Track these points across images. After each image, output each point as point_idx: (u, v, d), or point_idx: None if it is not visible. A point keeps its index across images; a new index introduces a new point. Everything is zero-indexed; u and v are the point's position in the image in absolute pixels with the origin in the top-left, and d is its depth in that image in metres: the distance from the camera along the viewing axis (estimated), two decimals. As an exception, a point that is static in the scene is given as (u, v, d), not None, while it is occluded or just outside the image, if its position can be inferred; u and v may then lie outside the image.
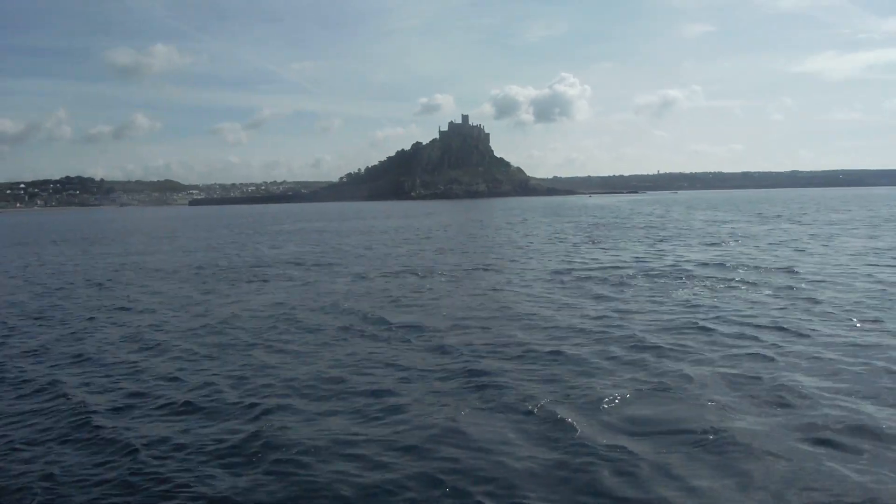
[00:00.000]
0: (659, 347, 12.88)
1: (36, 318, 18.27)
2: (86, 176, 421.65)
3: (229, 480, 7.60)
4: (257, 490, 7.36)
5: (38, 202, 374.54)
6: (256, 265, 31.21)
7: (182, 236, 60.76)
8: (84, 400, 10.49)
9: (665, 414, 9.28)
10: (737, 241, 38.18)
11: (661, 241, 39.95)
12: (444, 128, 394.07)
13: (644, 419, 9.11)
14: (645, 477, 7.35)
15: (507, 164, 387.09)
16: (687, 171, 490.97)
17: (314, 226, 75.18)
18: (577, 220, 74.10)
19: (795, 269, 23.89)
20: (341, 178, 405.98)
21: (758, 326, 14.52)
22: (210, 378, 11.57)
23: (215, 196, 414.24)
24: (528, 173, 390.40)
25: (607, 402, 9.72)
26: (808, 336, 13.53)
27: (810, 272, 23.18)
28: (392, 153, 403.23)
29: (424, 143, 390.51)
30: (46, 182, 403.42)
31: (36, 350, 14.28)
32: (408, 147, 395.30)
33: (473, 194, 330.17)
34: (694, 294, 19.15)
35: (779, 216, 68.24)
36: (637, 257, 30.21)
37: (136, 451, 8.39)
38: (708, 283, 21.29)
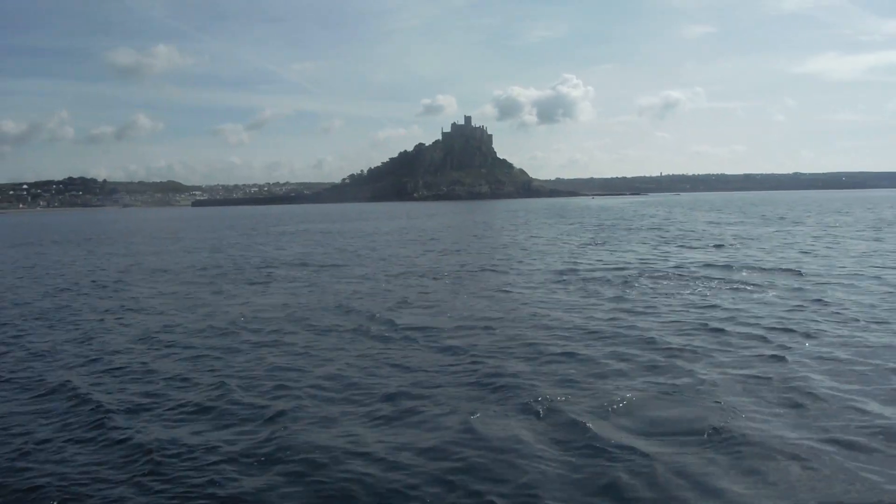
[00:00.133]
0: (669, 348, 12.90)
1: (45, 320, 18.27)
2: (88, 177, 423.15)
3: (245, 482, 7.61)
4: (272, 492, 7.37)
5: (41, 203, 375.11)
6: (262, 266, 31.25)
7: (186, 237, 60.85)
8: (98, 401, 10.50)
9: (678, 414, 9.29)
10: (742, 242, 38.16)
11: (666, 242, 39.95)
12: (447, 129, 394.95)
13: (657, 419, 9.13)
14: (659, 477, 7.36)
15: (510, 166, 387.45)
16: (689, 172, 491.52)
17: (318, 227, 75.27)
18: (581, 221, 74.10)
19: (802, 271, 23.89)
20: (344, 179, 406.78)
21: (767, 327, 14.51)
22: (222, 379, 11.58)
23: (218, 197, 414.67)
24: (531, 175, 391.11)
25: (620, 403, 9.73)
26: (817, 337, 13.54)
27: (817, 273, 23.17)
28: (394, 154, 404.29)
29: (427, 145, 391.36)
30: (49, 183, 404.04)
31: (47, 351, 14.27)
32: (410, 148, 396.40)
33: (476, 196, 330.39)
34: (701, 295, 19.14)
35: (782, 218, 68.21)
36: (642, 258, 30.23)
37: (151, 451, 8.40)
38: (715, 284, 21.28)
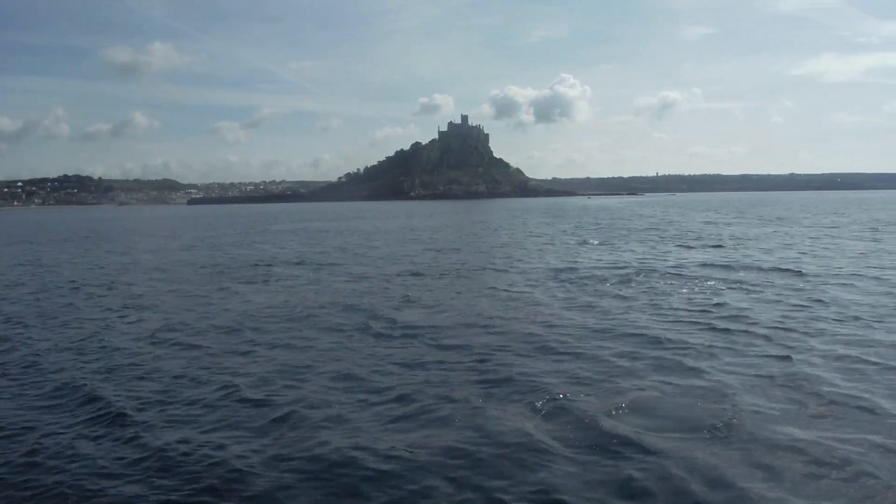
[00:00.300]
0: (673, 346, 12.96)
1: (50, 318, 18.15)
2: (84, 174, 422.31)
3: (257, 481, 7.61)
4: (284, 491, 7.37)
5: (36, 200, 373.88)
6: (261, 264, 31.22)
7: (184, 235, 60.74)
8: (107, 399, 10.48)
9: (686, 411, 9.35)
10: (739, 242, 38.28)
11: (664, 242, 40.04)
12: (444, 128, 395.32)
13: (666, 416, 9.20)
14: (671, 474, 7.41)
15: (507, 165, 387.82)
16: (686, 173, 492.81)
17: (315, 225, 75.22)
18: (579, 221, 74.19)
19: (801, 271, 23.99)
20: (340, 177, 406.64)
21: (770, 326, 14.58)
22: (229, 377, 11.59)
23: (214, 195, 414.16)
24: (528, 174, 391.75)
25: (629, 400, 9.78)
26: (820, 335, 13.62)
27: (816, 273, 23.27)
28: (391, 153, 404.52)
29: (424, 144, 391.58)
30: (44, 180, 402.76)
31: (54, 349, 14.18)
32: (407, 147, 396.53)
33: (473, 195, 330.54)
34: (702, 294, 19.19)
35: (780, 219, 68.44)
36: (641, 258, 30.28)
37: (163, 450, 8.40)
38: (714, 283, 21.34)
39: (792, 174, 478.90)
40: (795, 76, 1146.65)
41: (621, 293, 19.89)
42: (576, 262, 29.41)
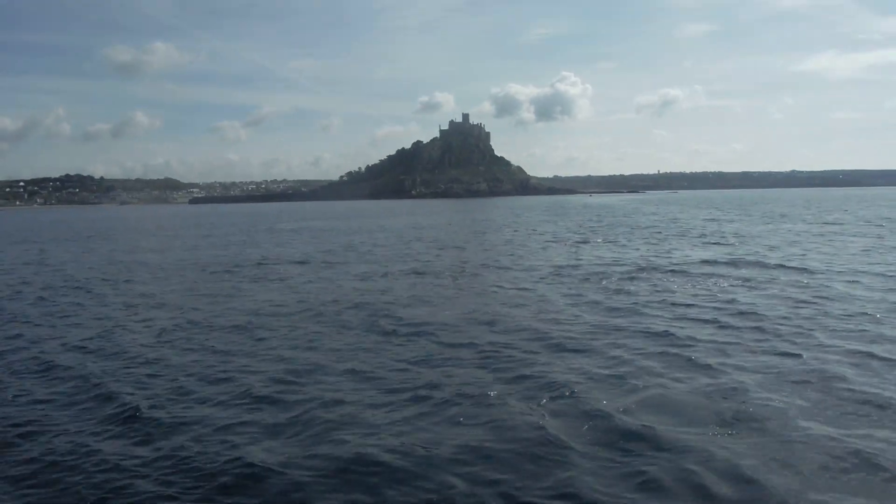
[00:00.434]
0: (683, 342, 13.05)
1: (60, 317, 18.18)
2: (85, 174, 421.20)
3: (274, 480, 7.67)
4: (302, 491, 7.43)
5: (38, 200, 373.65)
6: (267, 263, 31.31)
7: (188, 234, 60.82)
8: (124, 398, 10.54)
9: (699, 405, 9.45)
10: (742, 239, 38.33)
11: (667, 239, 40.11)
12: (445, 126, 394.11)
13: (680, 411, 9.30)
14: (687, 468, 7.49)
15: (508, 163, 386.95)
16: (687, 170, 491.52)
17: (318, 224, 75.27)
18: (581, 218, 74.23)
19: (806, 267, 24.07)
20: (341, 176, 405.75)
21: (778, 320, 14.68)
22: (244, 374, 11.70)
23: (215, 194, 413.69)
24: (529, 172, 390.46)
25: (643, 395, 9.90)
26: (829, 330, 13.70)
27: (821, 269, 23.33)
28: (392, 151, 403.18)
29: (425, 142, 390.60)
30: (46, 180, 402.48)
31: (67, 349, 14.18)
32: (408, 145, 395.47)
33: (474, 193, 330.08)
34: (707, 291, 19.24)
35: (783, 216, 68.46)
36: (645, 255, 30.34)
37: (181, 448, 8.47)
38: (721, 280, 21.39)
39: (793, 171, 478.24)
40: (796, 73, 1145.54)
41: (627, 290, 19.95)
42: (580, 259, 29.48)
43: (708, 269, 24.73)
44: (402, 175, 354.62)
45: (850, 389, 9.96)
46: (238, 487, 7.42)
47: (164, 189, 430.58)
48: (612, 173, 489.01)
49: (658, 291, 19.56)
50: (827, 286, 19.71)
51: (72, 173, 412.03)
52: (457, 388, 10.53)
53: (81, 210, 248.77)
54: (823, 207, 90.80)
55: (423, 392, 10.39)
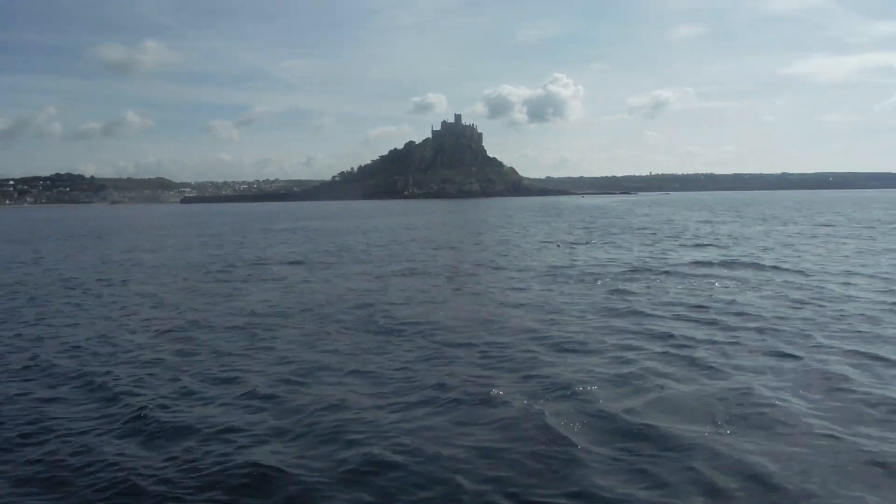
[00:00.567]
0: (682, 342, 13.10)
1: (59, 318, 18.00)
2: (76, 173, 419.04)
3: (284, 478, 7.67)
4: (315, 493, 7.43)
5: (28, 199, 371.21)
6: (261, 263, 31.26)
7: (181, 234, 60.61)
8: (130, 396, 10.53)
9: (703, 402, 9.48)
10: (735, 241, 38.51)
11: (660, 240, 40.24)
12: (437, 127, 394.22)
13: (683, 407, 9.36)
14: (691, 466, 7.54)
15: (500, 164, 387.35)
16: (679, 172, 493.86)
17: (311, 224, 75.13)
18: (574, 219, 74.38)
19: (800, 268, 24.23)
20: (334, 176, 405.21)
21: (776, 320, 14.77)
22: (245, 375, 11.71)
23: (207, 194, 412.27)
24: (521, 173, 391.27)
25: (646, 393, 9.95)
26: (826, 329, 13.77)
27: (815, 271, 23.47)
28: (385, 152, 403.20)
29: (417, 143, 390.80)
30: (36, 179, 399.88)
31: (70, 349, 14.05)
32: (401, 146, 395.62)
33: (466, 194, 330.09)
34: (703, 291, 19.31)
35: (775, 217, 68.82)
36: (639, 256, 30.43)
37: (188, 449, 8.45)
38: (716, 281, 21.47)
39: (784, 173, 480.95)
40: (787, 76, 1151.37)
41: (623, 291, 19.99)
42: (574, 260, 29.55)
43: (703, 270, 24.83)
44: (394, 175, 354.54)
45: (851, 389, 10.05)
46: (244, 488, 7.40)
47: (156, 188, 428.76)
48: (604, 174, 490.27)
49: (654, 292, 19.62)
50: (822, 287, 19.84)
51: (62, 172, 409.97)
52: (461, 388, 10.54)
53: (72, 209, 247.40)
54: (815, 209, 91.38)
55: (428, 392, 10.40)
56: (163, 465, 7.99)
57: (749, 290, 19.53)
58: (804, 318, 15.28)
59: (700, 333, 13.94)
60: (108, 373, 11.94)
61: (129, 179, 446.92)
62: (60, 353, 13.62)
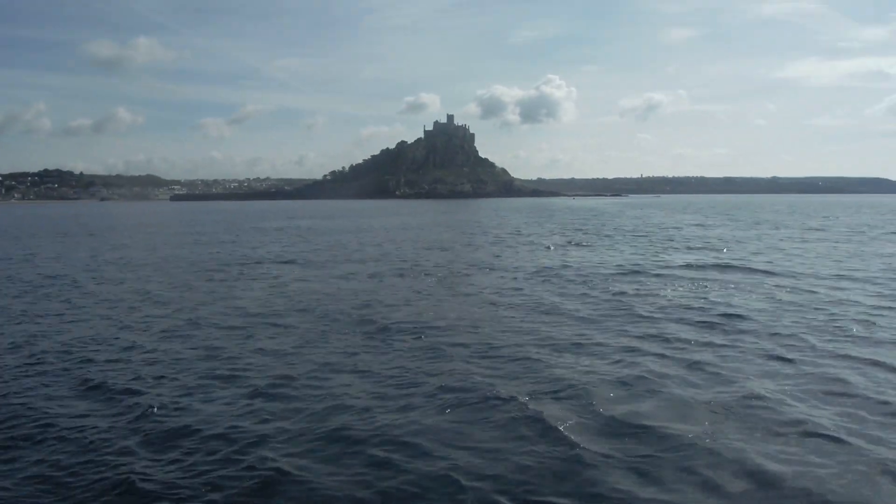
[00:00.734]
0: (678, 341, 13.19)
1: (56, 316, 17.81)
2: (65, 169, 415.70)
3: (293, 483, 7.64)
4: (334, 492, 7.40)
5: (16, 195, 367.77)
6: (256, 262, 31.19)
7: (174, 232, 60.33)
8: (136, 394, 10.53)
9: (707, 400, 9.53)
10: (727, 245, 38.70)
11: (652, 243, 40.44)
12: (430, 127, 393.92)
13: (685, 405, 9.43)
14: (692, 464, 7.59)
15: (492, 165, 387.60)
16: (670, 174, 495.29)
17: (303, 223, 74.96)
18: (565, 221, 74.55)
19: (793, 272, 24.42)
20: (325, 175, 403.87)
21: (768, 321, 14.85)
22: (250, 374, 11.73)
23: (197, 192, 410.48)
24: (513, 174, 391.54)
25: (643, 390, 9.99)
26: (821, 332, 13.85)
27: (807, 274, 23.63)
28: (377, 152, 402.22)
29: (409, 143, 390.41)
30: (24, 175, 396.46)
31: (70, 348, 13.88)
32: (392, 146, 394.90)
33: (458, 194, 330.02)
34: (696, 294, 19.41)
35: (768, 221, 69.20)
36: (629, 259, 30.56)
37: (194, 449, 8.44)
38: (708, 284, 21.59)
39: (774, 177, 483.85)
40: (778, 80, 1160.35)
41: (618, 292, 20.06)
42: (566, 262, 29.60)
43: (696, 273, 24.95)
44: (386, 175, 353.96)
45: (849, 393, 10.16)
46: (246, 489, 7.37)
47: (146, 186, 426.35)
48: (595, 176, 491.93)
49: (647, 294, 19.71)
50: (814, 291, 19.95)
51: (51, 168, 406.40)
52: (459, 388, 10.57)
53: (61, 206, 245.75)
54: (807, 213, 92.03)
55: (428, 392, 10.43)
56: (164, 465, 7.97)
57: (742, 293, 19.63)
58: (797, 322, 15.37)
59: (695, 336, 14.02)
60: (106, 372, 11.89)
61: (118, 176, 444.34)
62: (57, 352, 13.49)
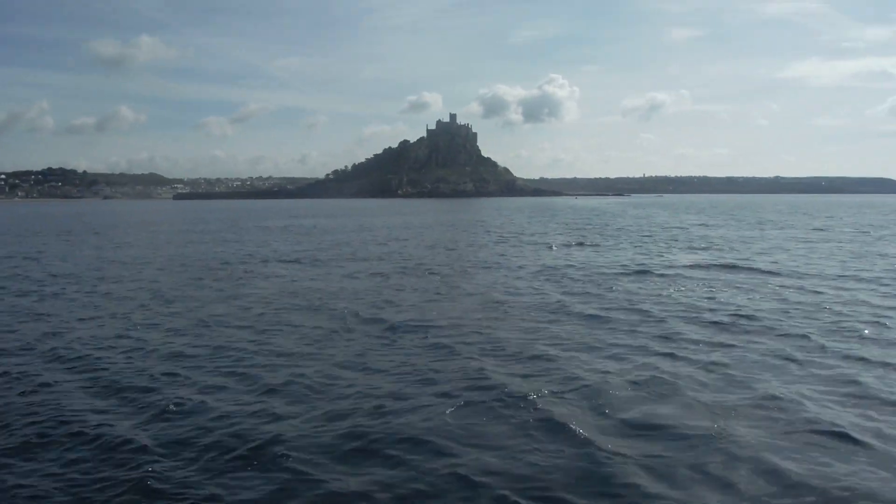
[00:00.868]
0: (686, 341, 13.21)
1: (69, 314, 17.87)
2: (68, 167, 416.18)
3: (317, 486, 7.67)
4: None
5: (19, 193, 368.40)
6: (262, 260, 31.22)
7: (178, 231, 60.40)
8: (158, 393, 10.58)
9: (716, 399, 9.54)
10: (731, 245, 38.68)
11: (656, 243, 40.42)
12: (432, 126, 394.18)
13: (695, 404, 9.42)
14: (716, 463, 7.59)
15: (494, 164, 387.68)
16: (672, 174, 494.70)
17: (307, 223, 75.02)
18: (568, 220, 74.52)
19: (798, 272, 24.43)
20: (328, 174, 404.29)
21: (775, 321, 14.83)
22: (268, 371, 11.77)
23: (200, 190, 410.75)
24: (515, 173, 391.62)
25: (655, 388, 10.00)
26: (828, 332, 13.86)
27: (812, 274, 23.63)
28: (379, 151, 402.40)
29: (412, 142, 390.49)
30: (28, 173, 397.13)
31: (84, 344, 13.97)
32: (395, 145, 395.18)
33: (460, 193, 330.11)
34: (703, 294, 19.41)
35: (772, 222, 69.16)
36: (634, 258, 30.54)
37: (211, 445, 8.51)
38: (716, 284, 21.58)
39: (777, 177, 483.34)
40: (781, 79, 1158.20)
41: (622, 291, 20.08)
42: (571, 261, 29.63)
43: (700, 273, 24.96)
44: (388, 174, 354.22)
45: (863, 392, 10.16)
46: (269, 489, 7.38)
47: (148, 184, 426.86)
48: (597, 176, 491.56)
49: (654, 294, 19.72)
50: (822, 291, 19.95)
51: (54, 166, 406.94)
52: (472, 386, 10.60)
53: (64, 204, 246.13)
54: (810, 213, 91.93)
55: (441, 391, 10.45)
56: (180, 464, 7.98)
57: (749, 294, 19.63)
58: (805, 322, 15.37)
59: (703, 335, 14.04)
60: (120, 371, 11.91)
61: (121, 175, 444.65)
62: (70, 350, 13.49)
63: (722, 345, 13.23)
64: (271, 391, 10.54)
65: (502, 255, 33.19)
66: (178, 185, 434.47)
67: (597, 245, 39.19)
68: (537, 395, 9.98)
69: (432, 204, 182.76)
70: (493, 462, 7.82)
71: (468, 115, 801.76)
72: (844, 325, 15.06)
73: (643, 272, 25.09)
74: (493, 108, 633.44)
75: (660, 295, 19.55)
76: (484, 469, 7.63)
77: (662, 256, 31.41)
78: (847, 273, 24.43)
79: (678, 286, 21.33)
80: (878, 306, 17.43)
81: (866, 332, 14.26)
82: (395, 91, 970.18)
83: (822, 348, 12.84)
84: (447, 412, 9.42)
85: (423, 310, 17.55)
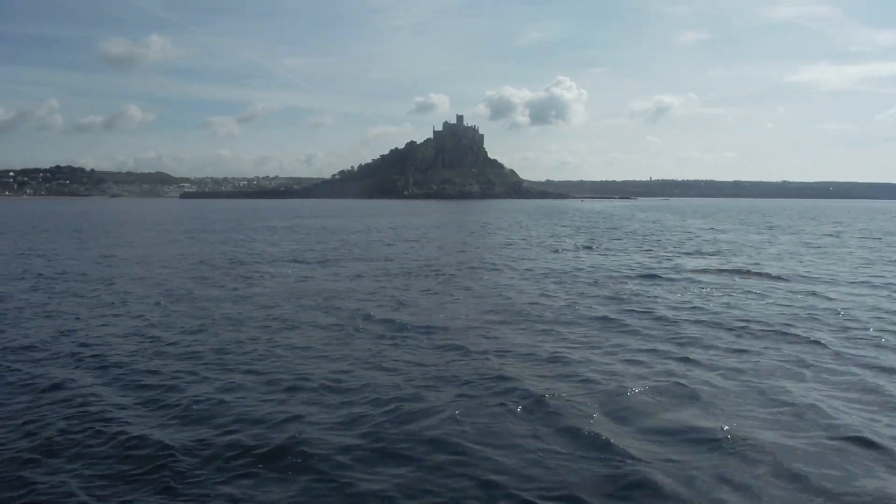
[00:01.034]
0: (696, 343, 13.21)
1: (86, 311, 17.98)
2: (76, 166, 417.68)
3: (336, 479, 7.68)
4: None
5: (28, 191, 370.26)
6: (271, 259, 31.30)
7: (187, 230, 60.56)
8: (178, 391, 10.67)
9: (727, 400, 9.53)
10: (739, 249, 38.60)
11: (664, 247, 40.34)
12: (439, 127, 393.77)
13: (720, 408, 9.40)
14: (735, 465, 7.57)
15: (501, 166, 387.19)
16: (679, 178, 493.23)
17: (314, 223, 75.16)
18: (575, 223, 74.46)
19: (808, 275, 24.34)
20: (334, 174, 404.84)
21: (785, 325, 14.81)
22: (283, 371, 11.80)
23: (206, 189, 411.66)
24: (522, 176, 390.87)
25: (670, 391, 9.99)
26: (837, 333, 13.82)
27: (821, 279, 23.56)
28: (385, 151, 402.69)
29: (418, 143, 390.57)
30: (36, 171, 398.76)
31: (97, 342, 14.11)
32: (401, 146, 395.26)
33: (466, 195, 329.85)
34: (711, 298, 19.37)
35: (779, 226, 68.98)
36: (641, 262, 30.51)
37: (234, 444, 8.58)
38: (725, 288, 21.54)
39: (784, 182, 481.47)
40: (789, 83, 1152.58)
41: (632, 294, 20.07)
42: (579, 264, 29.60)
43: (710, 277, 24.90)
44: (394, 175, 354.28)
45: (884, 400, 10.16)
46: (290, 490, 7.44)
47: (155, 183, 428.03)
48: (604, 179, 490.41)
49: (664, 297, 19.70)
50: (835, 297, 19.90)
51: (62, 164, 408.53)
52: (488, 385, 10.65)
53: (72, 202, 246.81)
54: (819, 218, 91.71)
55: (458, 391, 10.50)
56: (200, 464, 8.03)
57: (760, 299, 19.59)
58: (819, 327, 15.34)
59: (718, 340, 14.04)
60: (138, 368, 12.00)
61: (128, 173, 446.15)
62: (86, 348, 13.60)
63: (737, 350, 13.21)
64: (288, 390, 10.61)
65: (510, 256, 33.21)
66: (185, 184, 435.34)
67: (605, 248, 39.15)
68: (553, 398, 9.99)
69: (438, 205, 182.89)
70: (512, 464, 7.84)
71: (475, 116, 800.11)
72: (859, 330, 15.02)
73: (652, 276, 25.04)
74: (500, 109, 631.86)
75: (671, 299, 19.52)
76: (503, 471, 7.66)
77: (672, 261, 31.35)
78: (859, 279, 24.35)
79: (689, 291, 21.30)
80: (892, 311, 17.37)
81: (883, 339, 14.21)
82: (400, 92, 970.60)
83: (838, 354, 12.82)
84: (466, 414, 9.44)
85: (434, 311, 17.59)
